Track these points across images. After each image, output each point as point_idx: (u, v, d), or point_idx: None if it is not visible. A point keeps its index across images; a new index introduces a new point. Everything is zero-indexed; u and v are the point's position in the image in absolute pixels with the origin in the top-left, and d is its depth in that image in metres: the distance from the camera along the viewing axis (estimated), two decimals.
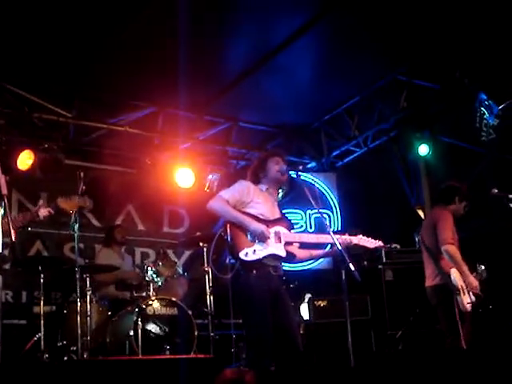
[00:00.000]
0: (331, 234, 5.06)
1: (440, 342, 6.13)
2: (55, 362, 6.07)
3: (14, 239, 3.80)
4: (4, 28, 6.61)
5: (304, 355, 4.98)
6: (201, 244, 7.21)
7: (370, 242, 5.22)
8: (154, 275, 7.09)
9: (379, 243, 5.27)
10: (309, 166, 10.15)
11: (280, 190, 5.35)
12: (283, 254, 4.99)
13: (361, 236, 5.21)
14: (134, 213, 9.71)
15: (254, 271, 4.82)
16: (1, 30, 6.64)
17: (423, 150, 8.96)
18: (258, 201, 5.07)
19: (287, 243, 5.06)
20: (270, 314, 4.78)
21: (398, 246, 8.32)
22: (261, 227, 4.88)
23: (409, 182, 9.47)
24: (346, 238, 5.13)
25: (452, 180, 6.62)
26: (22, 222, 4.58)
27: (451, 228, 6.16)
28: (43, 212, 4.67)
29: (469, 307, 5.94)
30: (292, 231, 5.19)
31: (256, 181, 5.23)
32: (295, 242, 5.17)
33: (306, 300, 8.53)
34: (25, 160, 7.93)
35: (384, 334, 7.86)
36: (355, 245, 5.14)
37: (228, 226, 4.93)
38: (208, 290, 7.06)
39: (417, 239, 6.77)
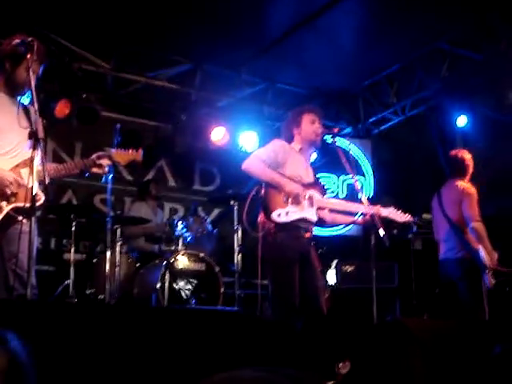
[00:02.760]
0: (363, 200, 5.04)
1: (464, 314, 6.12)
2: (83, 303, 6.17)
3: (47, 182, 3.79)
4: None
5: (327, 319, 4.99)
6: (231, 202, 7.21)
7: (400, 216, 5.19)
8: (183, 230, 7.14)
9: (409, 218, 5.22)
10: (344, 131, 10.06)
11: (313, 152, 5.31)
12: (315, 218, 4.99)
13: (392, 209, 5.17)
14: (165, 168, 9.75)
15: (285, 232, 4.82)
16: None
17: (462, 121, 8.83)
18: (293, 162, 5.04)
19: (319, 208, 5.05)
20: (298, 274, 4.79)
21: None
22: (296, 189, 4.86)
23: (445, 153, 9.34)
24: (377, 208, 5.10)
25: (460, 149, 6.66)
26: (73, 170, 4.47)
27: (477, 204, 6.18)
28: (104, 162, 4.52)
29: (492, 286, 5.95)
30: (324, 196, 5.18)
31: (290, 137, 5.19)
32: (327, 208, 5.16)
33: (334, 266, 8.54)
34: (62, 109, 7.97)
35: (410, 303, 7.86)
36: (385, 217, 5.10)
37: (263, 185, 4.95)
38: (236, 248, 7.08)
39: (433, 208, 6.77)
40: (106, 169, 4.57)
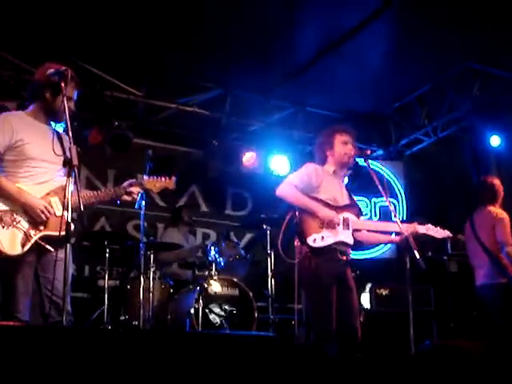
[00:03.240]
0: (398, 222, 5.00)
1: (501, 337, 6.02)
2: (119, 330, 6.19)
3: (82, 209, 3.83)
4: (81, 7, 6.70)
5: (361, 344, 4.93)
6: (264, 226, 7.20)
7: (439, 232, 5.11)
8: (217, 255, 7.14)
9: (447, 233, 5.15)
10: (376, 153, 10.02)
11: (347, 174, 5.28)
12: (351, 241, 4.95)
13: (429, 225, 5.11)
14: (197, 194, 9.79)
15: (322, 257, 4.80)
16: (79, 9, 6.74)
17: (495, 141, 8.74)
18: (327, 185, 5.02)
19: (355, 230, 5.02)
20: (335, 298, 4.75)
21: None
22: (330, 214, 4.84)
23: (478, 174, 9.25)
24: (414, 226, 5.05)
25: (489, 176, 6.70)
26: (103, 198, 4.51)
27: (509, 228, 6.24)
28: (135, 190, 4.56)
29: None
30: (360, 218, 5.15)
31: (323, 159, 5.17)
32: (363, 230, 5.12)
33: (368, 289, 8.46)
34: (95, 136, 8.07)
35: (447, 326, 7.74)
36: (423, 234, 5.05)
37: (297, 210, 4.93)
38: (270, 273, 7.05)
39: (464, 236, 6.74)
40: (136, 196, 4.59)
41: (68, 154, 3.95)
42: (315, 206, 4.86)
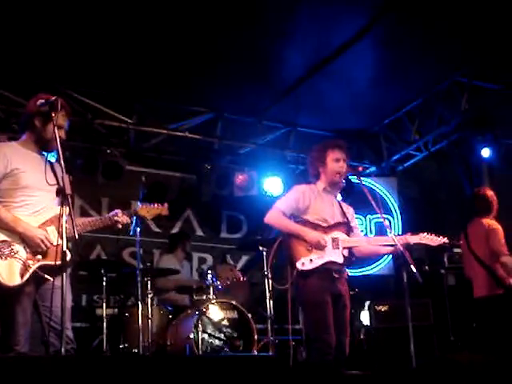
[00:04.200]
0: (393, 236, 5.00)
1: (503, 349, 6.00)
2: (118, 356, 6.17)
3: (77, 237, 3.83)
4: (70, 37, 6.75)
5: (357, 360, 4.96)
6: (260, 248, 7.19)
7: (434, 240, 5.09)
8: (214, 279, 7.13)
9: (443, 240, 5.12)
10: (369, 170, 10.05)
11: (339, 189, 5.30)
12: (340, 260, 4.97)
13: (424, 234, 5.09)
14: (192, 218, 9.77)
15: (313, 276, 4.86)
16: (68, 40, 6.79)
17: (486, 153, 8.77)
18: (316, 205, 5.07)
19: (345, 248, 5.03)
20: (331, 315, 4.76)
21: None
22: (316, 237, 4.89)
23: (471, 187, 9.28)
24: (405, 238, 5.05)
25: (482, 187, 6.71)
26: (95, 227, 4.54)
27: (503, 238, 6.24)
28: (124, 219, 4.59)
29: None
30: (352, 233, 5.15)
31: (317, 175, 5.20)
32: (353, 247, 5.12)
33: (366, 307, 8.45)
34: (87, 166, 8.09)
35: (447, 339, 7.72)
36: (417, 244, 5.05)
37: (285, 236, 5.02)
38: (268, 295, 7.04)
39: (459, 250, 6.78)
40: (120, 225, 4.60)
41: (61, 183, 3.97)
42: (302, 231, 4.93)
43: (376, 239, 5.35)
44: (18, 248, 4.11)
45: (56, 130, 4.05)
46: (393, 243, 4.96)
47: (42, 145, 4.38)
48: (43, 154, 4.39)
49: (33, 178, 4.27)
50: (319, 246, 4.87)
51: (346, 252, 5.01)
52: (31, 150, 4.38)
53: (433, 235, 5.10)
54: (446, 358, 3.89)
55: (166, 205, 4.87)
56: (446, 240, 5.14)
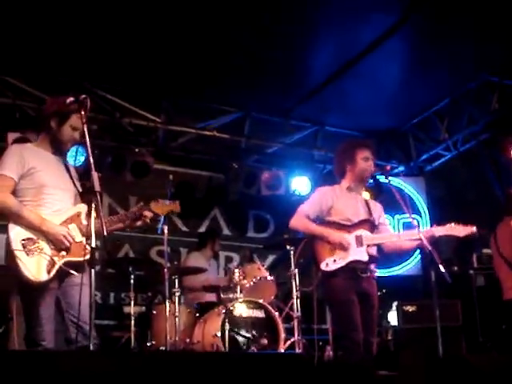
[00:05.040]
0: (420, 234, 4.95)
1: None
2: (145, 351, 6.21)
3: (105, 234, 3.87)
4: (99, 35, 6.81)
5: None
6: (288, 247, 7.18)
7: (461, 230, 4.97)
8: (241, 277, 7.13)
9: (471, 229, 4.99)
10: (397, 170, 9.99)
11: (363, 188, 5.31)
12: (365, 258, 4.97)
13: (449, 225, 5.01)
14: (219, 217, 9.81)
15: (339, 276, 4.90)
16: (96, 38, 6.85)
17: None
18: (339, 205, 5.10)
19: (370, 245, 5.02)
20: (358, 313, 4.76)
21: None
22: (339, 238, 4.91)
23: (501, 187, 9.17)
24: (431, 230, 5.00)
25: None
26: (122, 222, 4.60)
27: None
28: (149, 214, 4.67)
29: None
30: (376, 231, 5.13)
31: (342, 173, 5.20)
32: (378, 243, 5.11)
33: (394, 308, 8.39)
34: (115, 164, 8.15)
35: (476, 341, 7.63)
36: (444, 235, 4.98)
37: (310, 237, 5.12)
38: (295, 294, 7.02)
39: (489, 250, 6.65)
40: (147, 220, 4.67)
41: (77, 184, 4.04)
42: (325, 232, 4.99)
43: (401, 234, 5.33)
44: (43, 245, 4.16)
45: (85, 128, 4.08)
46: (419, 235, 4.91)
47: (57, 145, 4.44)
48: (58, 155, 4.46)
49: (50, 177, 4.33)
50: (343, 246, 4.91)
51: (371, 249, 5.00)
52: (48, 151, 4.44)
53: (460, 225, 5.01)
54: (457, 356, 3.85)
55: (177, 202, 4.94)
56: (474, 229, 5.01)
